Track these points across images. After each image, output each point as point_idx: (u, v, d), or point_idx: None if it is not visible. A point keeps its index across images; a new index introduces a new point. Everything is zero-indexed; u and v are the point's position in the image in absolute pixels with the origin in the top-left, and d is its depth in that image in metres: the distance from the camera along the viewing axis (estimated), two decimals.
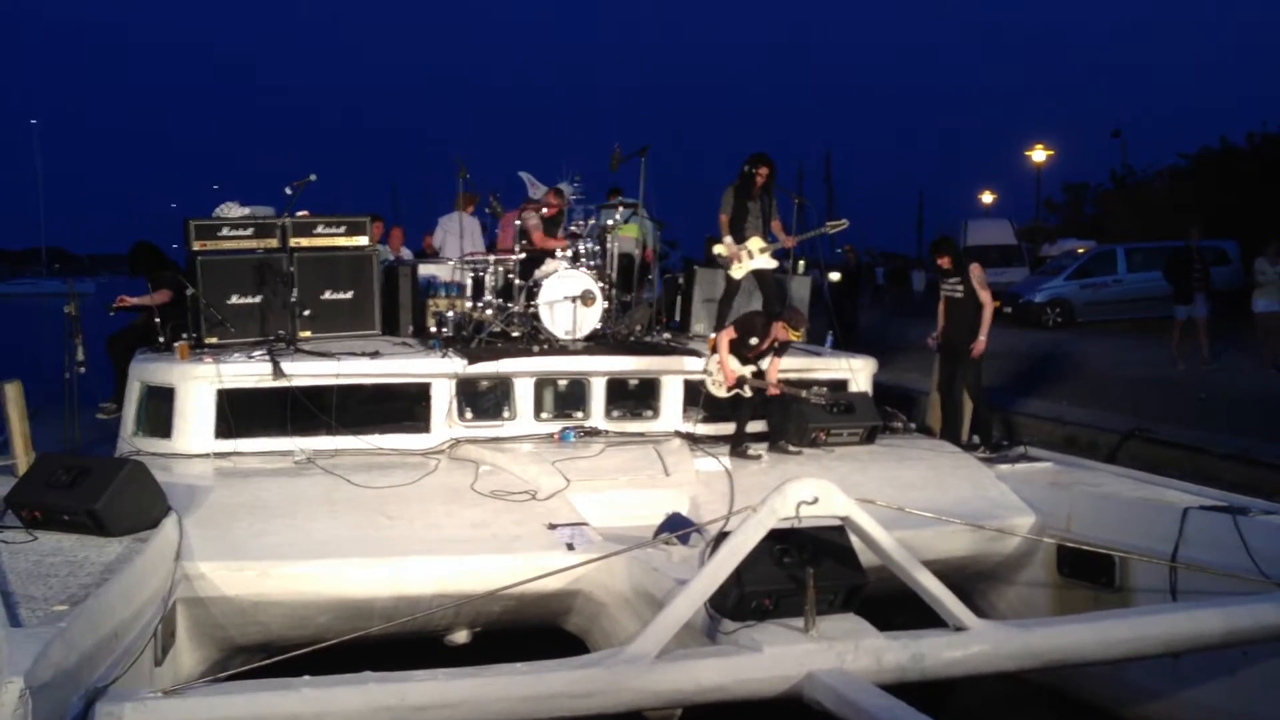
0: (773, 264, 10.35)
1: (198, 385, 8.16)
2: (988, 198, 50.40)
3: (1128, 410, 12.75)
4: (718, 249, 10.52)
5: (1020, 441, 9.96)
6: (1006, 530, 7.59)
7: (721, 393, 8.87)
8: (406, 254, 12.23)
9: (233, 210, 9.79)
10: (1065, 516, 7.76)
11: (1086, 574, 7.42)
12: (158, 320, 9.14)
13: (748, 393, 8.80)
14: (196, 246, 9.36)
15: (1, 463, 7.71)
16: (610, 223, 10.50)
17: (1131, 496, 7.68)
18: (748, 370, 8.82)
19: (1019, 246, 32.12)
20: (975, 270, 9.62)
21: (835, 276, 21.08)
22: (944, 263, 9.74)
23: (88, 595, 5.07)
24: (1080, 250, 28.20)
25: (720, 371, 8.79)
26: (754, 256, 10.15)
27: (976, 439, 9.53)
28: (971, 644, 5.62)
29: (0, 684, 4.05)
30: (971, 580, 7.88)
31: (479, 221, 11.73)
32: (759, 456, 8.73)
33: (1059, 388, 14.73)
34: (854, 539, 5.84)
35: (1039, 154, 44.14)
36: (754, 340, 8.80)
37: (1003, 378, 14.64)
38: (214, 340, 9.05)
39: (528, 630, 7.45)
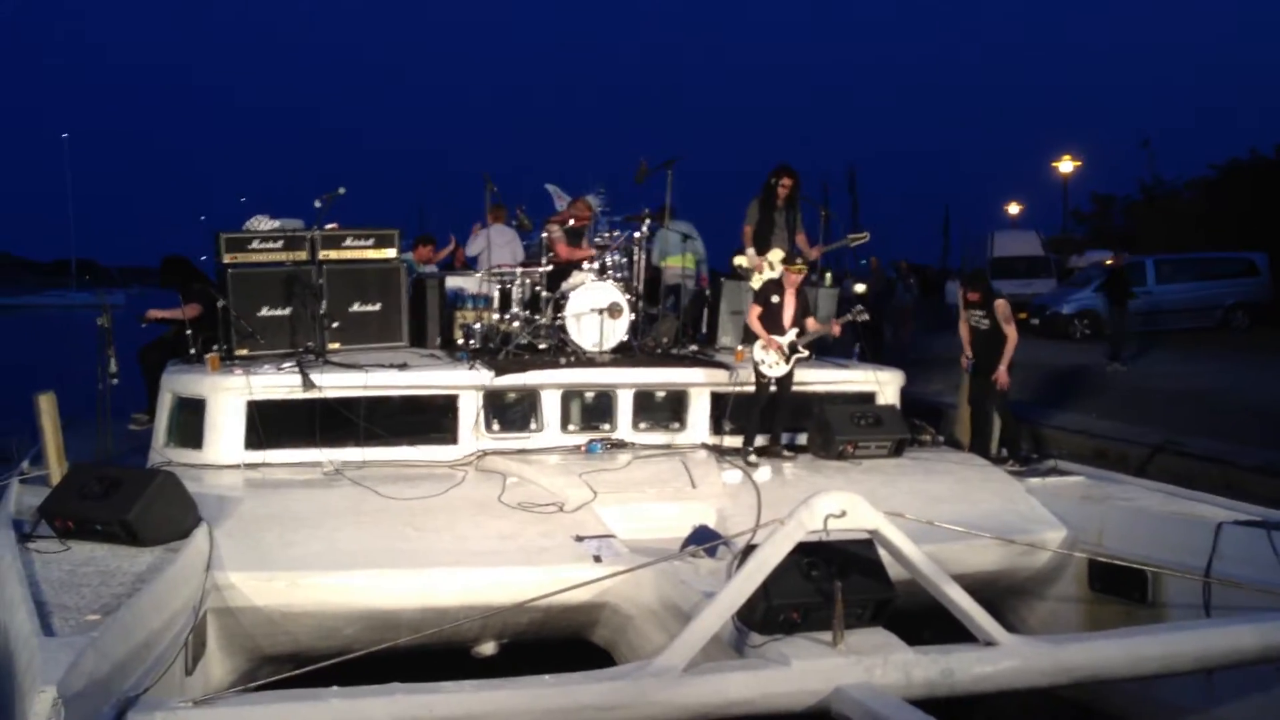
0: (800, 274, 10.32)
1: (228, 397, 8.22)
2: (1014, 208, 50.17)
3: (1158, 423, 12.65)
4: (740, 260, 10.53)
5: (1050, 455, 9.88)
6: (1037, 544, 7.53)
7: (780, 369, 8.91)
8: (433, 268, 12.29)
9: (263, 223, 9.86)
10: (1097, 531, 7.70)
11: (1118, 589, 7.34)
12: (189, 332, 9.22)
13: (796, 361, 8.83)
14: (227, 259, 9.43)
15: (35, 473, 7.78)
16: (637, 235, 10.51)
17: (1164, 511, 7.60)
18: (790, 336, 8.91)
19: (1046, 258, 31.88)
20: (1001, 307, 9.60)
21: (861, 288, 21.02)
22: (974, 298, 9.73)
23: (120, 605, 5.11)
24: (1109, 262, 28.03)
25: (768, 350, 8.85)
26: (775, 268, 10.15)
27: (1005, 452, 9.48)
28: (1002, 659, 5.58)
29: (33, 693, 4.08)
30: (1001, 595, 7.83)
31: (514, 232, 11.75)
32: (793, 457, 8.81)
33: (1087, 400, 14.65)
34: (882, 552, 5.81)
35: (1066, 165, 43.95)
36: (775, 299, 8.97)
37: (1030, 390, 14.56)
38: (244, 352, 9.11)
39: (554, 642, 7.45)
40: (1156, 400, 14.23)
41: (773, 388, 8.98)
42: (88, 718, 4.28)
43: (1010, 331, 9.51)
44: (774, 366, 8.94)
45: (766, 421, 9.15)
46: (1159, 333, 21.93)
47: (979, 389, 9.84)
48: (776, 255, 10.14)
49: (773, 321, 8.97)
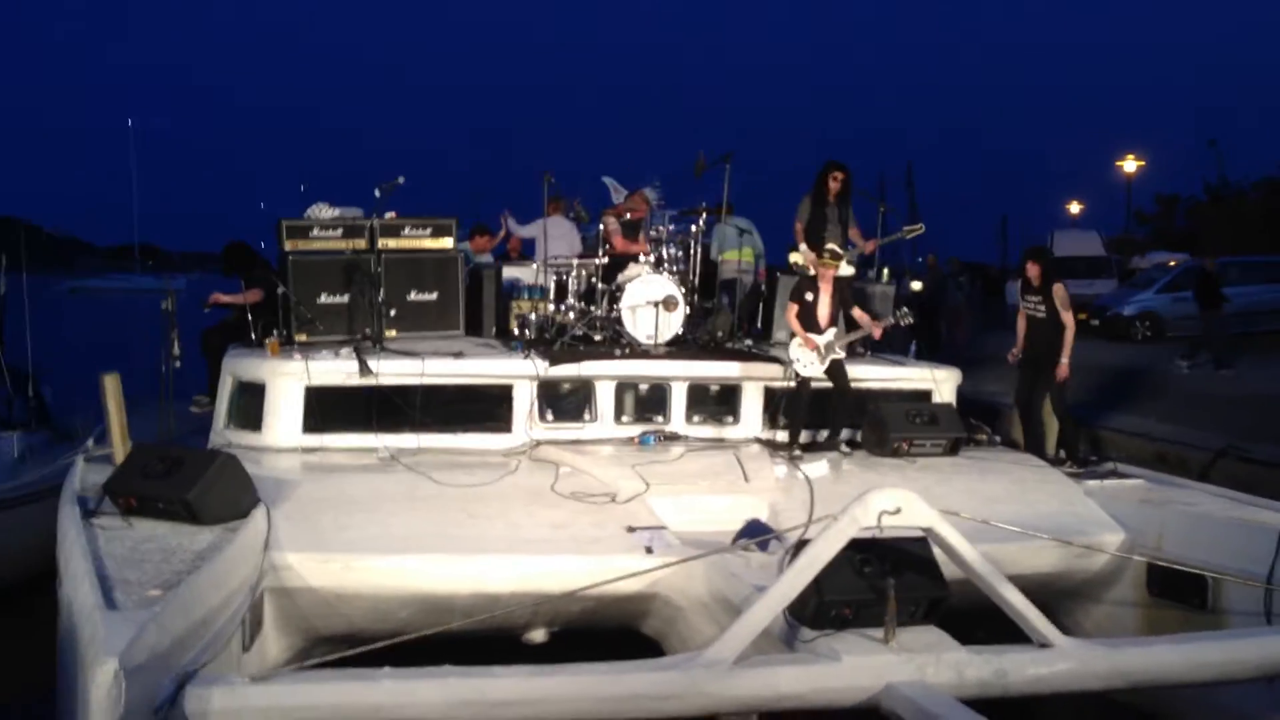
0: (849, 271, 10.27)
1: (287, 381, 8.33)
2: (1076, 208, 49.49)
3: (1220, 427, 12.42)
4: (794, 257, 10.48)
5: (1109, 457, 9.74)
6: (1094, 547, 7.43)
7: (814, 369, 8.82)
8: (489, 258, 12.35)
9: (323, 211, 9.97)
10: (1156, 535, 7.57)
11: (1177, 594, 7.22)
12: (250, 317, 9.36)
13: (833, 359, 8.78)
14: (288, 246, 9.56)
15: (100, 452, 7.93)
16: (693, 228, 10.50)
17: (1225, 516, 7.47)
18: (828, 336, 8.83)
19: (1108, 258, 31.43)
20: (1059, 291, 9.42)
21: (917, 286, 20.83)
22: (1033, 273, 9.54)
23: (180, 581, 5.20)
24: (1171, 263, 27.54)
25: (804, 349, 8.79)
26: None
27: (1063, 454, 9.35)
28: (1057, 661, 5.52)
29: (96, 665, 4.16)
30: (1057, 597, 7.73)
31: (572, 224, 11.76)
32: (848, 453, 8.81)
33: (1147, 403, 14.41)
34: (936, 551, 5.77)
35: (1130, 164, 43.29)
36: (809, 296, 8.88)
37: (1089, 392, 14.36)
38: (303, 338, 9.23)
39: (604, 631, 7.48)
40: (1219, 404, 13.97)
41: (820, 383, 8.89)
42: (148, 690, 4.36)
43: (1068, 319, 9.31)
44: (808, 366, 8.86)
45: (816, 418, 9.10)
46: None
47: (1029, 384, 9.69)
48: (833, 249, 10.08)
49: (809, 319, 8.89)
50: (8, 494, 9.39)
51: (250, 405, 8.48)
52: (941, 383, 9.73)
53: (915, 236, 11.33)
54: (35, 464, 9.90)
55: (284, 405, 8.32)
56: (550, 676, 5.02)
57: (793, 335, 9.04)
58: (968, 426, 9.49)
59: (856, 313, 9.03)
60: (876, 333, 8.99)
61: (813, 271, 9.70)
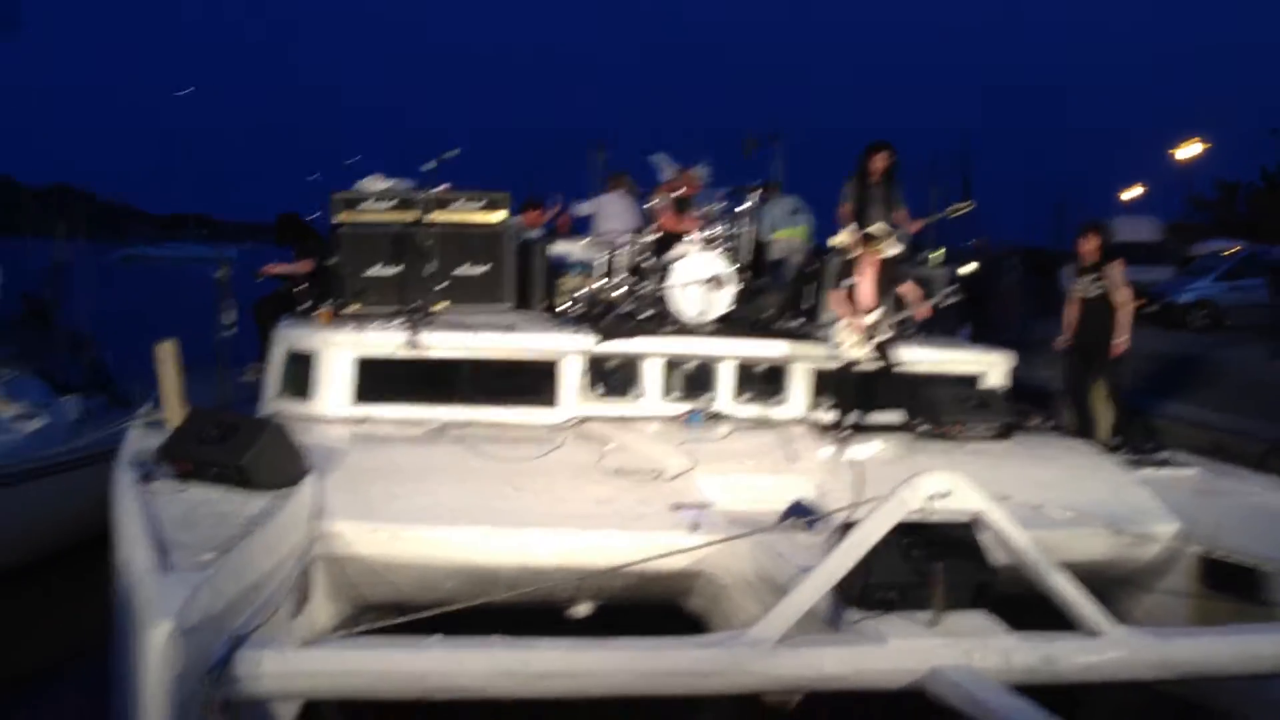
0: (896, 249, 10.16)
1: (338, 352, 8.41)
2: (1133, 193, 48.63)
3: (1278, 417, 12.20)
4: (840, 238, 10.41)
5: (1164, 446, 9.60)
6: (1147, 536, 7.33)
7: (860, 349, 8.73)
8: (540, 233, 12.36)
9: (376, 183, 10.03)
10: (1211, 525, 7.45)
11: (1231, 587, 7.11)
12: (302, 288, 9.44)
13: (879, 340, 8.70)
14: (339, 218, 9.62)
15: (155, 417, 8.05)
16: (744, 206, 10.44)
17: None
18: (873, 317, 8.72)
19: (1165, 245, 30.90)
20: (1116, 268, 9.27)
21: (969, 268, 20.59)
22: (1089, 247, 9.39)
23: (233, 546, 5.26)
24: (1230, 251, 27.05)
25: (849, 331, 8.70)
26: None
27: (1117, 441, 9.23)
28: (1106, 649, 5.46)
29: (150, 626, 4.23)
30: (1107, 586, 7.62)
31: (630, 200, 11.72)
32: (902, 435, 8.70)
33: (1203, 392, 14.19)
34: (984, 536, 5.72)
35: (1189, 149, 42.44)
36: (853, 278, 8.79)
37: (1144, 379, 14.16)
38: (354, 309, 9.29)
39: (648, 607, 7.49)
40: (1278, 393, 13.72)
41: (868, 365, 8.80)
42: (201, 652, 4.43)
43: (1125, 296, 9.17)
44: (851, 349, 8.77)
45: (865, 399, 9.04)
46: None
47: (1079, 369, 9.55)
48: (879, 229, 10.00)
49: (854, 301, 8.80)
50: (65, 457, 9.57)
51: (301, 375, 8.56)
52: (994, 366, 9.63)
53: (966, 216, 11.18)
54: (92, 428, 10.08)
55: (334, 375, 8.39)
56: (593, 650, 5.05)
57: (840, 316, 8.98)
58: (1020, 411, 9.39)
59: (906, 288, 8.91)
60: (920, 314, 8.87)
61: (856, 254, 9.63)
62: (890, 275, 8.88)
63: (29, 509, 9.11)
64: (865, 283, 8.84)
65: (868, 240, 8.87)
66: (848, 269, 8.96)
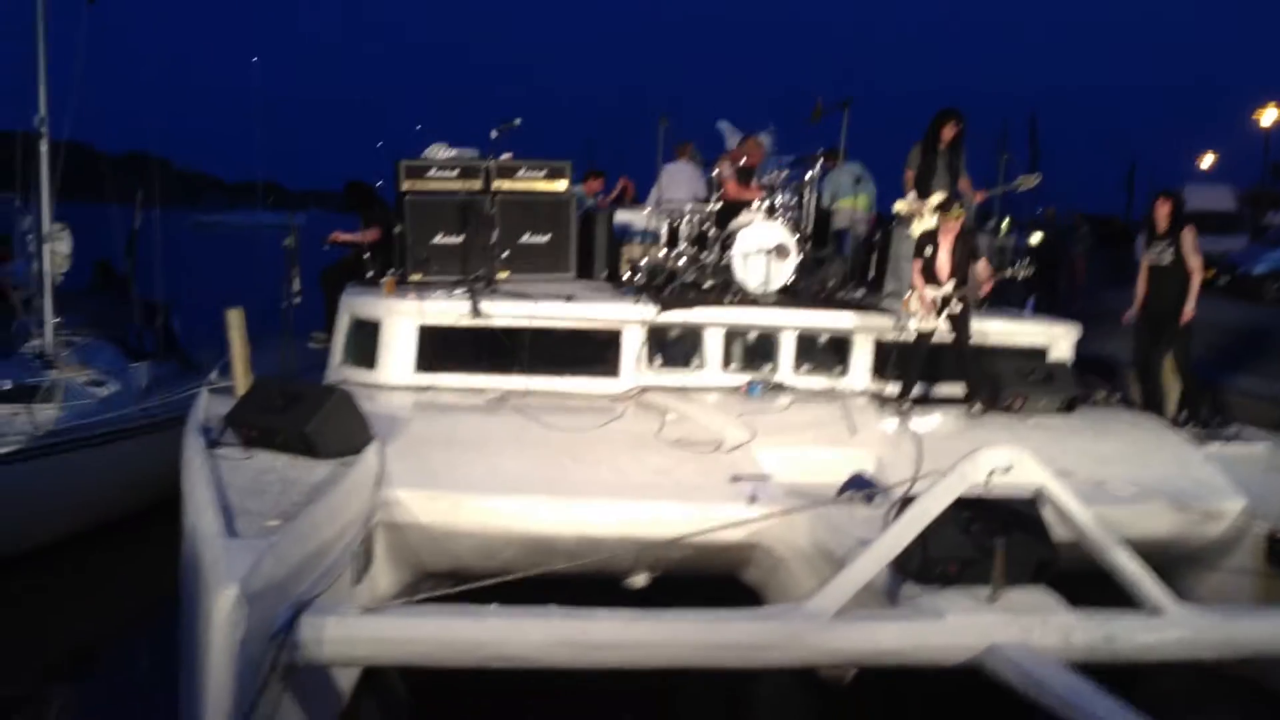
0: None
1: (402, 320, 8.49)
2: (1208, 160, 47.39)
3: None
4: (899, 205, 10.30)
5: (1232, 420, 9.41)
6: (1213, 514, 7.21)
7: (925, 323, 8.66)
8: (602, 199, 12.37)
9: (441, 152, 10.08)
10: (1279, 503, 7.33)
11: None
12: (367, 256, 9.55)
13: (949, 313, 8.61)
14: (405, 186, 9.70)
15: (223, 384, 8.21)
16: (808, 175, 10.35)
17: None
18: (945, 289, 8.62)
19: (1240, 214, 30.10)
20: (1189, 235, 9.10)
21: (1036, 238, 20.27)
22: (1162, 212, 9.23)
23: (298, 513, 5.35)
24: None
25: (920, 303, 8.66)
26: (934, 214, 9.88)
27: (1184, 415, 9.07)
28: (1169, 628, 5.40)
29: (218, 590, 4.33)
30: (1171, 564, 7.52)
31: (694, 168, 11.66)
32: (970, 409, 8.61)
33: (1276, 366, 13.83)
34: (1046, 511, 5.66)
35: (1270, 114, 41.20)
36: (929, 250, 8.70)
37: (1215, 352, 13.83)
38: (418, 277, 9.38)
39: (705, 578, 7.53)
40: None
41: (938, 338, 8.72)
42: (265, 617, 4.53)
43: (1196, 264, 9.03)
44: (921, 320, 8.68)
45: (929, 371, 8.95)
46: None
47: (1149, 341, 9.40)
48: (937, 199, 9.88)
49: (929, 272, 8.70)
50: (137, 422, 9.80)
51: (365, 343, 8.66)
52: (1059, 338, 9.50)
53: (1035, 188, 10.98)
54: (163, 393, 10.31)
55: (398, 343, 8.48)
56: (651, 621, 5.08)
57: (910, 288, 8.91)
58: (1085, 384, 9.25)
59: (980, 265, 8.78)
60: (985, 290, 8.74)
61: (923, 221, 9.51)
62: (968, 247, 8.75)
63: (102, 473, 9.34)
64: (943, 253, 8.74)
65: (945, 209, 8.76)
66: (924, 240, 8.86)
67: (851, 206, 11.31)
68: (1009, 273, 8.93)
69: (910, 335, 8.88)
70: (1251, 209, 31.86)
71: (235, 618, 4.28)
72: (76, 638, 8.12)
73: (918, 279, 8.72)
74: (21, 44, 10.37)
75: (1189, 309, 9.03)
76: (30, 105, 10.41)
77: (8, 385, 9.37)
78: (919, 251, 8.82)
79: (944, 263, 8.68)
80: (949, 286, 8.61)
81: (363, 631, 4.80)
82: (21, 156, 10.68)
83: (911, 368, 8.80)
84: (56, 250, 10.86)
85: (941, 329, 8.69)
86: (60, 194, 10.76)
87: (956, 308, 8.63)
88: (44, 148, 10.53)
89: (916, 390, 8.83)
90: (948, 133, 9.97)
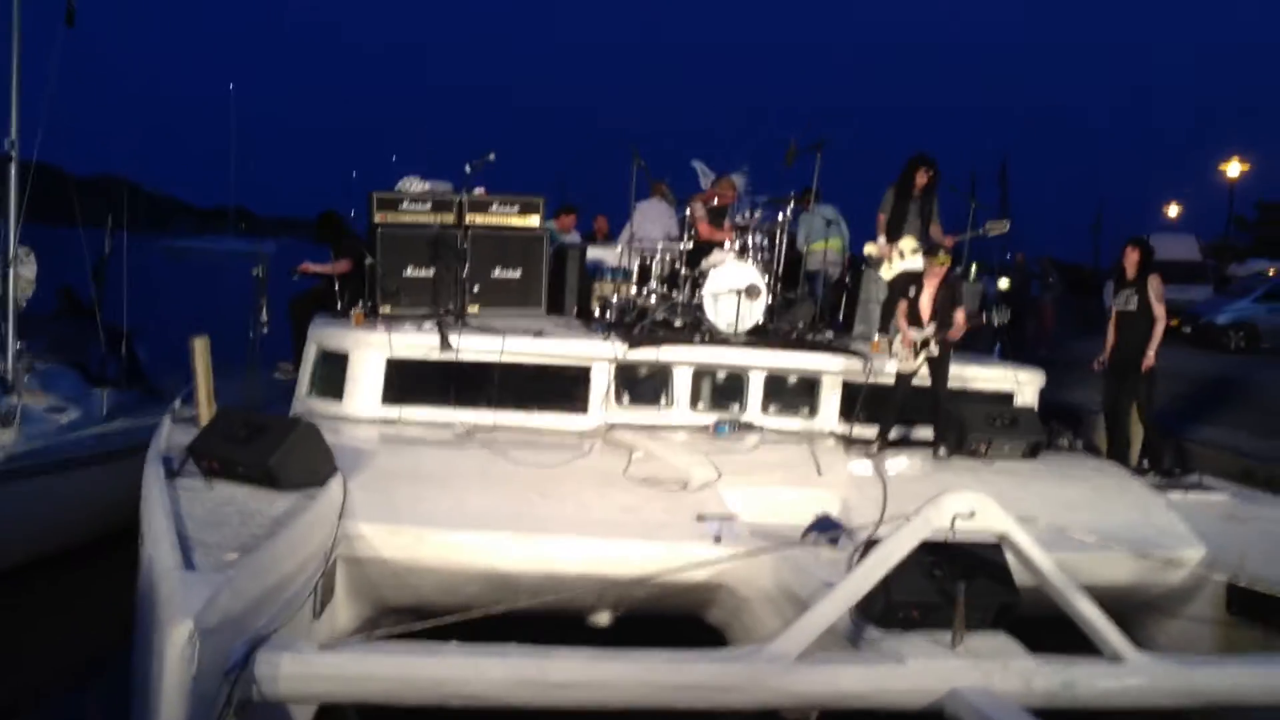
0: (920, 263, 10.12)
1: (370, 352, 8.46)
2: (1173, 211, 48.14)
3: None
4: (869, 248, 10.38)
5: (1194, 470, 9.50)
6: (1173, 562, 7.27)
7: (909, 364, 8.73)
8: (575, 236, 12.39)
9: (414, 185, 10.09)
10: (1239, 552, 7.37)
11: (1258, 615, 7.04)
12: (337, 287, 9.52)
13: (927, 356, 8.69)
14: (377, 218, 9.69)
15: (186, 413, 8.13)
16: (781, 217, 10.41)
17: None
18: (926, 332, 8.70)
19: (1204, 264, 30.58)
20: (1154, 282, 9.25)
21: (1004, 284, 20.44)
22: (1130, 260, 9.37)
23: (257, 546, 5.30)
24: (1271, 272, 26.74)
25: (900, 345, 8.74)
26: (905, 257, 9.97)
27: (1146, 463, 9.15)
28: (1128, 676, 5.42)
29: (172, 624, 4.26)
30: (1131, 611, 7.57)
31: (666, 206, 11.69)
32: (940, 456, 8.65)
33: (1238, 416, 13.98)
34: (1009, 557, 5.69)
35: (1234, 168, 41.96)
36: (912, 292, 8.79)
37: (1177, 401, 13.99)
38: (387, 310, 9.36)
39: (669, 617, 7.50)
40: None
41: (923, 380, 8.76)
42: (220, 652, 4.47)
43: (1160, 312, 9.18)
44: (903, 361, 8.74)
45: (901, 414, 8.99)
46: None
47: (1115, 388, 9.51)
48: (908, 244, 9.96)
49: (911, 315, 8.78)
50: (96, 450, 9.68)
51: (332, 374, 8.62)
52: (1024, 385, 9.58)
53: (1003, 234, 11.11)
54: (125, 421, 10.20)
55: (365, 376, 8.45)
56: (612, 661, 5.05)
57: (884, 329, 8.98)
58: (1049, 430, 9.32)
59: (958, 314, 8.83)
60: (954, 333, 8.81)
61: (892, 265, 9.59)
62: (951, 292, 8.81)
63: (60, 499, 9.22)
64: (925, 296, 8.80)
65: (931, 254, 8.85)
66: (905, 281, 8.94)
67: (826, 249, 11.39)
68: (985, 319, 8.98)
69: (878, 377, 8.92)
70: (1215, 260, 32.37)
71: (189, 653, 4.21)
72: (28, 668, 7.98)
73: (901, 320, 8.78)
74: None
75: (1150, 356, 9.15)
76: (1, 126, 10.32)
77: None
78: (902, 292, 8.88)
79: (926, 305, 8.76)
80: (929, 329, 8.68)
81: (320, 668, 4.74)
82: None
83: (889, 410, 8.84)
84: (21, 274, 10.74)
85: (920, 372, 8.75)
86: (27, 215, 10.66)
87: (934, 350, 8.69)
88: (13, 171, 10.44)
89: (886, 432, 8.86)
90: (921, 178, 10.08)
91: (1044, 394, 9.75)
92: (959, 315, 8.71)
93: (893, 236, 10.03)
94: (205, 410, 7.75)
